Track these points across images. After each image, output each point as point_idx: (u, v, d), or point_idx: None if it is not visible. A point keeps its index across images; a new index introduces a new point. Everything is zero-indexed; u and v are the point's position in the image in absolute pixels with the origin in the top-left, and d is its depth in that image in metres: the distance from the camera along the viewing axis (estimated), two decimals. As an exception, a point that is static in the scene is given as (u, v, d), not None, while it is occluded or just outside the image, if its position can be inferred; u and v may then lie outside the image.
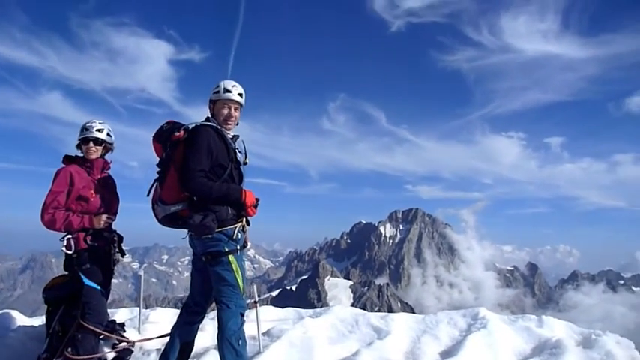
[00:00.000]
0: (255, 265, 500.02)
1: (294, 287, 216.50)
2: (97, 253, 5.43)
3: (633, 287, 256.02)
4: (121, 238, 5.71)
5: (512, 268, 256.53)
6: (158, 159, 4.71)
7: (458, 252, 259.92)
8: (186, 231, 4.70)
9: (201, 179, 4.35)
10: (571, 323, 7.20)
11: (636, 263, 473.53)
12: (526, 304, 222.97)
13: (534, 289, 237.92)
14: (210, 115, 4.77)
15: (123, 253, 5.76)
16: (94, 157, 5.58)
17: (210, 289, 4.80)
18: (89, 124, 5.56)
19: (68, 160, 5.59)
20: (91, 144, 5.53)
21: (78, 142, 5.55)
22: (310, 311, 8.00)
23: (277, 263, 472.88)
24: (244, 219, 4.72)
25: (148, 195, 4.66)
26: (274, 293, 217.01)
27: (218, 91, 4.76)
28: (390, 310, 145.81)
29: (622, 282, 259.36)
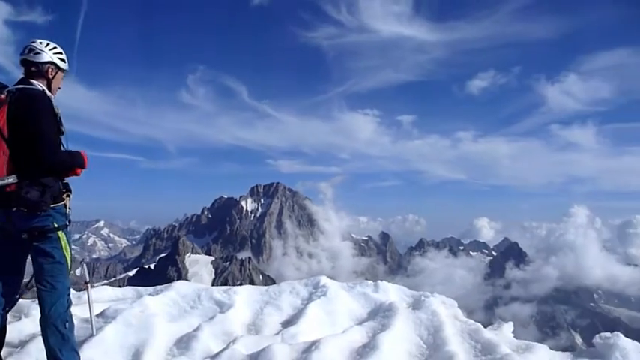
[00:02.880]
0: (110, 245, 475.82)
1: (152, 266, 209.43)
2: None
3: (471, 252, 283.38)
4: None
5: (366, 238, 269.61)
6: None
7: (317, 223, 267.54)
8: None
9: (61, 151, 4.05)
10: (404, 287, 7.70)
11: (474, 230, 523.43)
12: (379, 271, 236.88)
13: (387, 256, 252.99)
14: (42, 79, 4.28)
15: None
16: None
17: (20, 270, 4.43)
18: None
19: None
20: None
21: None
22: (150, 289, 7.70)
23: (134, 242, 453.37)
24: (70, 193, 4.33)
25: None
26: (131, 273, 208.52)
27: (65, 60, 4.44)
28: (252, 283, 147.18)
29: (462, 248, 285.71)
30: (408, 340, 5.84)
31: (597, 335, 6.22)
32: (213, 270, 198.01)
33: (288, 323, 6.41)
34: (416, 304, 6.80)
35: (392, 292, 7.44)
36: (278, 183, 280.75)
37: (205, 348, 5.68)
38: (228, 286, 7.62)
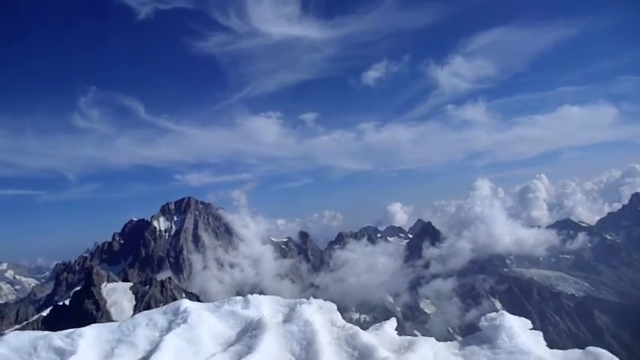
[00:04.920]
0: (17, 287, 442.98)
1: (67, 302, 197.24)
2: None
3: (389, 238, 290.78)
4: None
5: (286, 240, 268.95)
6: None
7: (235, 232, 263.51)
8: None
9: None
10: (279, 297, 6.96)
11: (389, 216, 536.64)
12: (302, 270, 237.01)
13: (308, 255, 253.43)
14: None
15: None
16: None
17: None
18: None
19: None
20: None
21: None
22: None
23: (44, 280, 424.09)
24: None
25: None
26: (45, 313, 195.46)
27: None
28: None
29: (379, 235, 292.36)
30: (277, 359, 5.14)
31: (482, 317, 5.90)
32: (134, 296, 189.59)
33: (143, 362, 5.46)
34: (289, 316, 6.08)
35: (264, 305, 6.66)
36: (189, 197, 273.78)
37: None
38: (72, 329, 6.53)
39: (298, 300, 6.59)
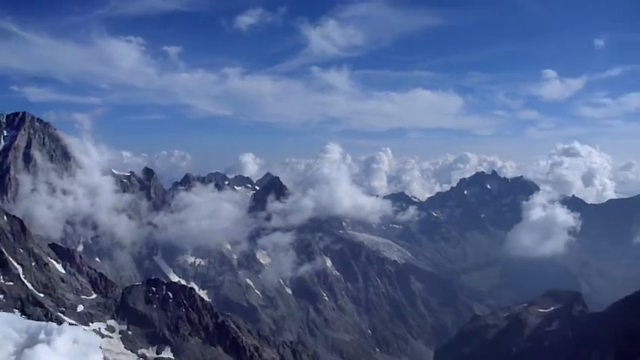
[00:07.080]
0: None
1: None
2: None
3: (236, 187, 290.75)
4: None
5: (129, 174, 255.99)
6: None
7: (73, 157, 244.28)
8: None
9: None
10: (18, 317, 5.63)
11: (240, 165, 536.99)
12: (142, 207, 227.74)
13: (150, 192, 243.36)
14: None
15: None
16: None
17: None
18: None
19: None
20: None
21: None
22: None
23: None
24: None
25: None
26: None
27: None
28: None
29: (227, 182, 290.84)
30: None
31: None
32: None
33: None
34: (23, 349, 4.97)
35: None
36: (25, 112, 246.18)
37: None
38: None
39: (44, 324, 4.98)
